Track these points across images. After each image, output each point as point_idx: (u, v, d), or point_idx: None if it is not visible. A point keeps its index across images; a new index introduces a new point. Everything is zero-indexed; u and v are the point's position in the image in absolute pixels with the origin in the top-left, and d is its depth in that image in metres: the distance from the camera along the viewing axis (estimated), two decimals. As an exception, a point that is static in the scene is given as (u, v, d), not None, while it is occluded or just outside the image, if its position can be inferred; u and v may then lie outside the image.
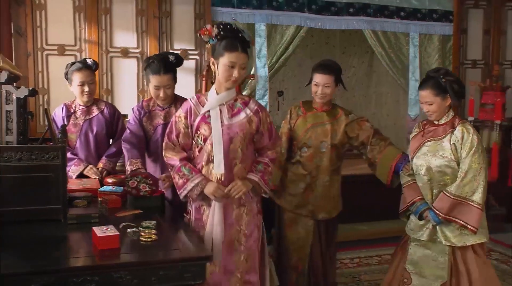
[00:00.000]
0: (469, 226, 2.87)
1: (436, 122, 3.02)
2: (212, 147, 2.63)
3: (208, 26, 2.66)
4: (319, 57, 7.12)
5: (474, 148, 2.87)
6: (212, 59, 2.67)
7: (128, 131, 3.32)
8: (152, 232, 2.28)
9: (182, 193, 2.65)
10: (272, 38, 4.99)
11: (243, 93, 4.82)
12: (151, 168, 3.31)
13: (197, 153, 2.71)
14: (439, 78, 2.94)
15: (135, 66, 4.65)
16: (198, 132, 2.68)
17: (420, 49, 5.47)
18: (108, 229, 2.17)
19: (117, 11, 4.58)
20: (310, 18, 5.07)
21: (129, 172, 3.09)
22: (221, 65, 2.61)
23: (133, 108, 3.38)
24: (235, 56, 2.59)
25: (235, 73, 2.61)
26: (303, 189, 3.42)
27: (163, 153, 2.75)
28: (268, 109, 5.18)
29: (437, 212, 2.90)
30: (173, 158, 2.68)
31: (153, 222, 2.40)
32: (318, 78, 3.33)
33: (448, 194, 2.89)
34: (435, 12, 5.51)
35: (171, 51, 4.58)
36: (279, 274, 3.37)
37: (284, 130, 3.48)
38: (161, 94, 3.22)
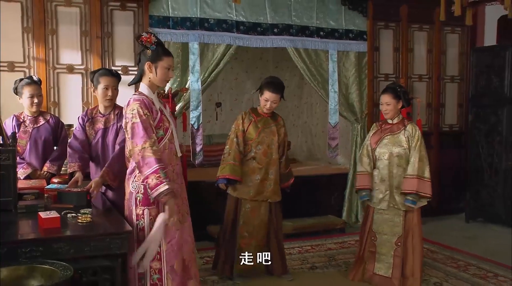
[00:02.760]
0: (427, 195, 4.05)
1: (390, 121, 4.21)
2: (172, 135, 3.10)
3: (148, 34, 3.09)
4: (253, 71, 7.82)
5: (420, 140, 4.11)
6: (149, 63, 3.04)
7: (73, 136, 3.86)
8: (88, 216, 2.83)
9: (153, 193, 2.89)
10: (205, 55, 5.59)
11: (178, 105, 5.42)
12: (93, 167, 3.85)
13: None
14: (396, 88, 4.18)
15: (80, 81, 5.17)
16: (160, 124, 3.05)
17: (338, 65, 6.18)
18: (51, 213, 2.72)
19: (63, 32, 5.09)
20: (238, 38, 5.69)
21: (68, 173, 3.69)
22: (160, 67, 3.05)
23: (78, 117, 3.95)
24: (171, 60, 3.12)
25: (171, 74, 3.13)
26: (259, 180, 4.24)
27: (143, 148, 2.89)
28: (202, 119, 5.77)
29: (409, 191, 4.03)
30: (152, 158, 2.88)
31: (90, 209, 2.96)
32: (268, 95, 4.19)
33: (410, 176, 4.04)
34: (351, 32, 6.24)
35: (112, 67, 5.16)
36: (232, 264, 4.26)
37: (238, 132, 4.25)
38: (109, 93, 3.76)
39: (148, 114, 2.99)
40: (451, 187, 6.75)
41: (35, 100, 4.05)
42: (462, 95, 6.92)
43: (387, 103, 4.15)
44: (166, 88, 5.17)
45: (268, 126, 4.30)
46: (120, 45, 5.29)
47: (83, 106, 5.17)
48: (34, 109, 4.09)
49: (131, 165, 3.07)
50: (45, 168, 4.06)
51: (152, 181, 2.87)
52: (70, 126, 4.82)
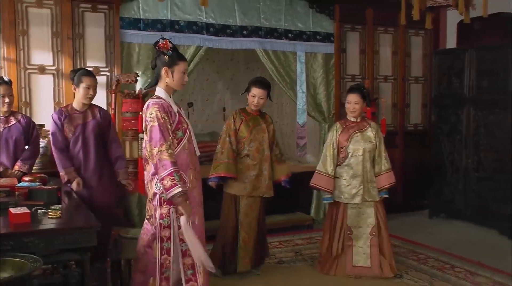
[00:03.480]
0: (389, 185, 4.49)
1: (354, 119, 4.51)
2: (190, 135, 3.25)
3: (164, 40, 3.23)
4: (225, 72, 7.96)
5: (382, 136, 4.55)
6: (166, 68, 3.20)
7: (55, 138, 4.03)
8: (58, 212, 2.95)
9: (168, 194, 3.04)
10: (175, 56, 5.71)
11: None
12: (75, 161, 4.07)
13: (176, 145, 3.17)
14: (362, 89, 4.52)
15: (51, 82, 5.23)
16: (179, 126, 3.20)
17: (306, 66, 6.36)
18: (21, 209, 2.82)
19: (34, 33, 5.14)
20: (208, 39, 5.83)
21: (65, 180, 3.95)
22: (177, 72, 3.21)
23: (52, 116, 4.10)
24: (186, 64, 3.30)
25: (186, 77, 3.29)
26: (254, 176, 4.41)
27: (159, 151, 3.03)
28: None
29: (385, 186, 4.45)
30: (168, 160, 3.03)
31: (60, 206, 3.07)
32: (256, 91, 4.40)
33: (386, 172, 4.49)
34: (319, 34, 6.43)
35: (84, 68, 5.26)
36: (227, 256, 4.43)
37: (230, 131, 4.42)
38: (91, 92, 4.07)
39: (166, 117, 3.12)
40: (415, 185, 6.98)
41: (6, 100, 4.14)
42: (426, 95, 7.17)
43: (356, 102, 4.44)
44: (137, 89, 5.31)
45: (258, 124, 4.50)
46: (92, 46, 5.36)
47: (54, 106, 5.23)
48: (5, 109, 4.17)
49: (153, 166, 3.16)
50: (16, 167, 4.14)
51: (167, 183, 3.02)
52: (42, 125, 4.92)
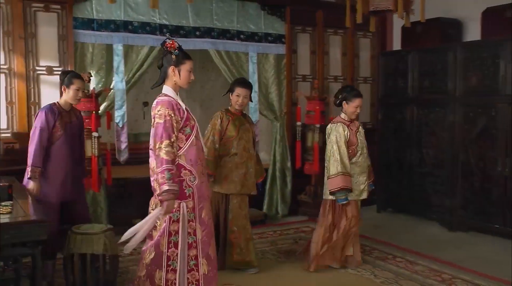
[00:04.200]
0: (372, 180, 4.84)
1: (350, 120, 4.68)
2: (197, 132, 3.37)
3: (171, 40, 3.37)
4: (180, 71, 8.06)
5: None
6: (173, 67, 3.32)
7: (42, 134, 4.04)
8: (8, 208, 3.04)
9: (158, 191, 3.15)
10: (129, 56, 5.80)
11: (102, 105, 5.61)
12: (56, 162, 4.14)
13: (185, 141, 3.29)
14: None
15: (3, 81, 5.25)
16: (187, 123, 3.30)
17: (258, 66, 6.55)
18: (-29, 206, 2.91)
19: (-15, 32, 5.18)
20: (161, 40, 5.89)
21: (31, 176, 3.96)
22: (184, 71, 3.34)
23: (44, 112, 4.11)
24: (192, 63, 3.41)
25: (192, 76, 3.41)
26: (243, 174, 4.56)
27: (159, 147, 3.15)
28: (129, 118, 5.98)
29: (371, 181, 4.78)
30: (163, 158, 3.13)
31: (11, 202, 3.17)
32: (240, 90, 4.57)
33: (371, 167, 4.81)
34: (270, 35, 6.64)
35: (37, 68, 5.32)
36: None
37: (215, 131, 4.52)
38: (80, 94, 4.24)
39: (173, 115, 3.23)
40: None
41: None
42: (374, 95, 7.47)
43: (360, 107, 4.69)
44: (90, 88, 5.39)
45: (243, 123, 4.65)
46: (44, 45, 5.41)
47: (7, 106, 5.27)
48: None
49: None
50: None
51: (159, 178, 3.14)
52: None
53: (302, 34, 6.92)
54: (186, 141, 3.30)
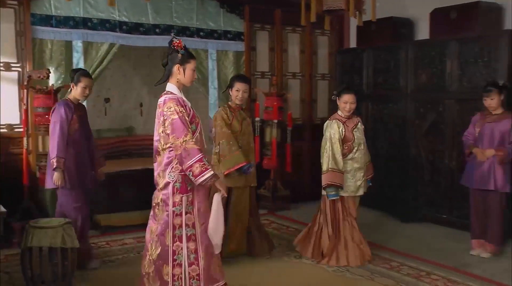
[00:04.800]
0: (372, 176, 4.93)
1: (347, 116, 4.76)
2: (201, 129, 3.46)
3: (178, 40, 3.48)
4: (142, 68, 8.13)
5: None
6: (178, 65, 3.41)
7: (63, 127, 4.33)
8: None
9: (199, 179, 3.22)
10: (89, 53, 5.85)
11: (62, 100, 5.64)
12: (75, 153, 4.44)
13: None
14: (355, 89, 4.87)
15: (-40, 77, 5.27)
16: (193, 119, 3.40)
17: (218, 63, 6.68)
18: None
19: None
20: (121, 37, 6.01)
21: (55, 166, 4.25)
22: (188, 69, 3.45)
23: (63, 106, 4.39)
24: (195, 62, 3.53)
25: (195, 75, 3.54)
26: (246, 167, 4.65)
27: (184, 140, 3.22)
28: (90, 114, 5.98)
29: (369, 176, 4.88)
30: (194, 148, 3.23)
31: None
32: (239, 85, 4.70)
33: (370, 162, 4.89)
34: (229, 33, 6.77)
35: None
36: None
37: (227, 125, 4.66)
38: (87, 92, 4.51)
39: (184, 111, 3.33)
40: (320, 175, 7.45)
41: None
42: (331, 91, 7.65)
43: (352, 103, 4.74)
44: (49, 85, 5.42)
45: (244, 118, 4.83)
46: (2, 41, 5.41)
47: (-36, 102, 5.28)
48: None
49: (167, 157, 3.35)
50: None
51: (196, 169, 3.20)
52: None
53: (261, 31, 7.07)
54: (193, 136, 3.36)
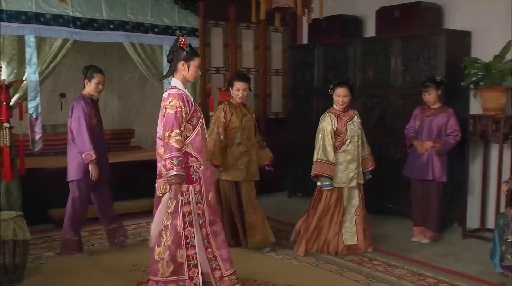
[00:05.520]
0: (374, 168, 5.01)
1: (342, 109, 4.86)
2: (203, 123, 3.65)
3: (184, 38, 3.63)
4: (98, 63, 8.02)
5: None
6: (183, 62, 3.60)
7: (85, 122, 4.59)
8: None
9: (167, 174, 3.43)
10: (42, 48, 5.89)
11: (15, 96, 5.67)
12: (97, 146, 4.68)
13: (192, 130, 3.57)
14: (349, 82, 4.96)
15: None
16: (194, 114, 3.58)
17: (173, 59, 6.79)
18: None
19: None
20: (75, 32, 6.07)
21: (94, 158, 4.56)
22: (193, 66, 3.63)
23: (81, 102, 4.65)
24: (199, 59, 3.72)
25: (198, 71, 3.72)
26: (247, 162, 4.90)
27: (169, 136, 3.43)
28: (46, 109, 6.04)
29: (369, 168, 4.99)
30: (173, 146, 3.42)
31: None
32: (239, 85, 4.88)
33: (369, 154, 5.02)
34: (184, 29, 6.88)
35: None
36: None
37: (219, 123, 4.82)
38: (100, 87, 4.74)
39: (183, 106, 3.50)
40: (278, 168, 7.64)
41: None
42: (285, 86, 7.88)
43: (345, 95, 4.84)
44: (2, 79, 5.44)
45: (246, 114, 4.98)
46: (-50, 36, 5.43)
47: None
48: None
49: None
50: None
51: (168, 164, 3.43)
52: None
53: (215, 28, 7.21)
54: (193, 131, 3.58)
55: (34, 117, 5.90)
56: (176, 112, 3.47)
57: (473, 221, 5.63)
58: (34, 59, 5.79)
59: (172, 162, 3.42)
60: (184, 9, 6.85)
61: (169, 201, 3.56)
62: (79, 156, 4.64)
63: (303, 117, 7.25)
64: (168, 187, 3.52)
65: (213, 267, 3.70)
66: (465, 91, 5.63)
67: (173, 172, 3.43)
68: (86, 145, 4.56)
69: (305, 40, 7.80)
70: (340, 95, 4.85)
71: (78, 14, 6.07)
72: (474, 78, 5.28)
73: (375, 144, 6.26)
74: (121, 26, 6.38)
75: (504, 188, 4.38)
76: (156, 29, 6.66)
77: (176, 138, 3.45)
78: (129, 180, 6.53)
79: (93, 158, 4.57)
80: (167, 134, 3.46)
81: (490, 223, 5.44)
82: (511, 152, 5.32)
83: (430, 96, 5.17)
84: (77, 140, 4.63)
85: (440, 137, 5.16)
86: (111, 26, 6.32)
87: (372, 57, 6.25)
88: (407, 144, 5.45)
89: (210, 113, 6.84)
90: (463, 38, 5.71)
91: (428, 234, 5.30)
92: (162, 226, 3.62)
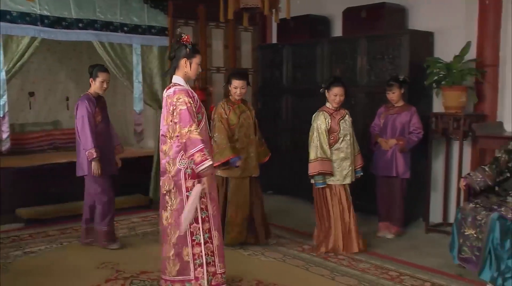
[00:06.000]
0: (362, 165, 5.07)
1: (335, 108, 4.94)
2: (206, 117, 3.75)
3: (186, 35, 3.71)
4: (67, 62, 8.13)
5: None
6: (185, 59, 3.66)
7: (89, 120, 4.80)
8: None
9: (199, 168, 3.49)
10: (9, 46, 5.81)
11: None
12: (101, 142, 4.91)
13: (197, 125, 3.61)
14: (343, 81, 4.95)
15: None
16: (199, 110, 3.67)
17: (142, 58, 6.79)
18: None
19: None
20: (43, 31, 6.00)
21: (95, 156, 4.76)
22: (194, 63, 3.71)
23: (85, 101, 4.87)
24: (200, 57, 3.80)
25: (200, 68, 3.78)
26: (244, 159, 4.91)
27: (189, 130, 3.48)
28: (15, 108, 5.98)
29: (358, 166, 5.06)
30: (197, 138, 3.49)
31: None
32: (237, 83, 4.95)
33: (359, 152, 5.10)
34: (154, 28, 6.89)
35: None
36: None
37: (223, 120, 4.90)
38: (105, 85, 4.98)
39: (191, 102, 3.59)
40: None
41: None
42: (255, 85, 7.96)
43: (341, 95, 4.91)
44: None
45: (244, 111, 5.03)
46: None
47: None
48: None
49: (177, 145, 3.60)
50: None
51: (197, 158, 3.47)
52: None
53: (185, 27, 7.23)
54: (199, 126, 3.62)
55: (1, 115, 5.84)
56: (187, 108, 3.54)
57: (436, 216, 5.81)
58: (1, 57, 5.74)
59: (203, 154, 3.48)
60: (154, 8, 6.86)
61: (201, 193, 3.59)
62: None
63: (273, 116, 7.35)
64: (172, 184, 3.64)
65: (208, 262, 3.73)
66: (428, 90, 5.80)
67: (209, 162, 3.50)
68: (89, 143, 4.77)
69: (274, 40, 7.89)
70: (337, 94, 4.92)
71: (45, 12, 6.02)
72: (436, 78, 5.45)
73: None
74: (90, 24, 6.34)
75: (462, 183, 4.55)
76: (125, 28, 6.65)
77: (197, 131, 3.53)
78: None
79: (94, 156, 4.76)
80: (186, 130, 3.50)
81: (452, 218, 5.60)
82: (471, 148, 5.51)
83: (394, 95, 5.31)
84: (81, 138, 4.85)
85: (404, 135, 5.31)
86: (80, 24, 6.27)
87: (339, 57, 6.38)
88: (372, 142, 5.59)
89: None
90: (426, 39, 5.88)
91: (393, 229, 5.45)
92: (167, 224, 3.70)
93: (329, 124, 4.91)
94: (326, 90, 5.01)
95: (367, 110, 6.10)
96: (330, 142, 4.92)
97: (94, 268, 4.54)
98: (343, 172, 4.94)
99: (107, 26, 6.50)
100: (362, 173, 5.16)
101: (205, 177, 3.55)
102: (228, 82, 5.08)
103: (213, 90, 7.14)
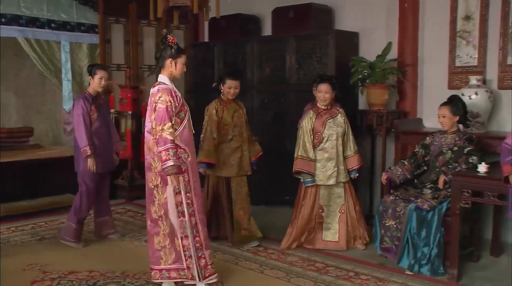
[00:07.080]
0: (359, 166, 4.97)
1: (324, 107, 4.89)
2: (189, 117, 3.87)
3: (171, 36, 3.83)
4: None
5: (348, 121, 4.96)
6: (170, 59, 3.79)
7: (84, 118, 4.85)
8: None
9: (163, 166, 3.65)
10: None
11: None
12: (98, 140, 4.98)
13: (180, 124, 3.77)
14: (332, 79, 4.87)
15: None
16: (182, 108, 3.79)
17: (71, 55, 6.70)
18: None
19: None
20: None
21: (88, 154, 4.82)
22: (180, 63, 3.85)
23: (81, 100, 4.91)
24: (185, 57, 3.92)
25: (185, 68, 3.93)
26: (239, 157, 4.95)
27: (162, 129, 3.61)
28: None
29: (355, 167, 4.94)
30: (167, 138, 3.62)
31: None
32: (231, 83, 4.93)
33: (355, 153, 4.96)
34: (83, 25, 6.82)
35: None
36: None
37: (211, 121, 4.89)
38: (103, 83, 4.99)
39: (172, 101, 3.71)
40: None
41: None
42: (187, 83, 7.97)
43: (326, 92, 4.84)
44: None
45: (236, 110, 5.03)
46: None
47: None
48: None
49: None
50: None
51: (163, 156, 3.64)
52: None
53: (116, 24, 7.18)
54: (181, 124, 3.79)
55: None
56: (166, 107, 3.67)
57: (363, 209, 6.03)
58: None
59: (168, 153, 3.63)
60: (83, 5, 6.78)
61: (174, 191, 3.77)
62: None
63: (204, 113, 7.36)
64: (159, 179, 3.79)
65: (199, 255, 3.91)
66: (354, 88, 6.02)
67: (171, 163, 3.64)
68: (83, 141, 4.86)
69: (206, 38, 7.94)
70: (322, 91, 4.87)
71: (-35, 7, 5.84)
72: (360, 76, 5.68)
73: (272, 138, 6.57)
74: (14, 20, 6.19)
75: (384, 177, 4.78)
76: (53, 25, 6.54)
77: (169, 130, 3.65)
78: (28, 179, 6.38)
79: (88, 153, 4.86)
80: (159, 128, 3.65)
81: (377, 210, 5.87)
82: (394, 144, 5.78)
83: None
84: (76, 135, 4.96)
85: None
86: (3, 19, 6.12)
87: (269, 55, 6.52)
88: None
89: (112, 110, 6.81)
90: (351, 38, 6.12)
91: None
92: (157, 217, 3.86)
93: (313, 123, 4.89)
94: (313, 87, 5.00)
95: (297, 107, 6.21)
96: (314, 142, 4.89)
97: (19, 270, 4.43)
98: (327, 172, 4.89)
99: (33, 21, 6.39)
100: (357, 174, 5.06)
101: (170, 176, 3.69)
102: (221, 82, 5.03)
103: (144, 88, 7.09)
